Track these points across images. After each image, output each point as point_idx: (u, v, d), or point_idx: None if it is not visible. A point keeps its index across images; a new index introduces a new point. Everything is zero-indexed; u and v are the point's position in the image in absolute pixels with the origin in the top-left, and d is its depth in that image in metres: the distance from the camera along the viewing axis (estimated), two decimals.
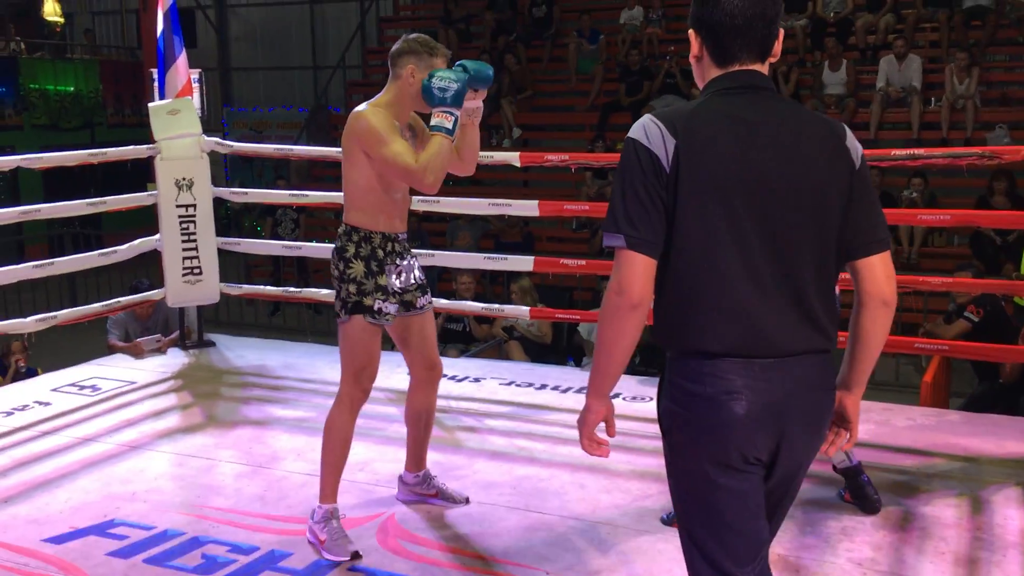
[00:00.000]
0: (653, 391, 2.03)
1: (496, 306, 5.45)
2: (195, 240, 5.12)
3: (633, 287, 1.83)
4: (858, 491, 3.32)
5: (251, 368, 5.18)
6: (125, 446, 4.05)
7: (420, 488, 3.42)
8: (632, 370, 5.42)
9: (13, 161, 4.76)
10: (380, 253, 3.07)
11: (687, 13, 1.97)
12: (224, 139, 5.73)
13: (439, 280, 8.73)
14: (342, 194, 3.17)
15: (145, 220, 5.80)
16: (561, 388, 4.75)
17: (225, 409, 4.54)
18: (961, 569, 2.95)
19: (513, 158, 4.89)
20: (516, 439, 4.08)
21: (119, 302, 5.32)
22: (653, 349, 5.55)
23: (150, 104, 5.23)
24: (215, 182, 5.27)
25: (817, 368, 1.90)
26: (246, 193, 6.15)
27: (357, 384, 3.10)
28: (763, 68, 1.92)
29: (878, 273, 1.94)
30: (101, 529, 3.26)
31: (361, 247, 3.05)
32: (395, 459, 3.57)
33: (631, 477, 3.60)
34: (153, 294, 5.42)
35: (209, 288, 5.24)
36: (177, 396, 4.77)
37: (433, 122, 2.93)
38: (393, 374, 4.32)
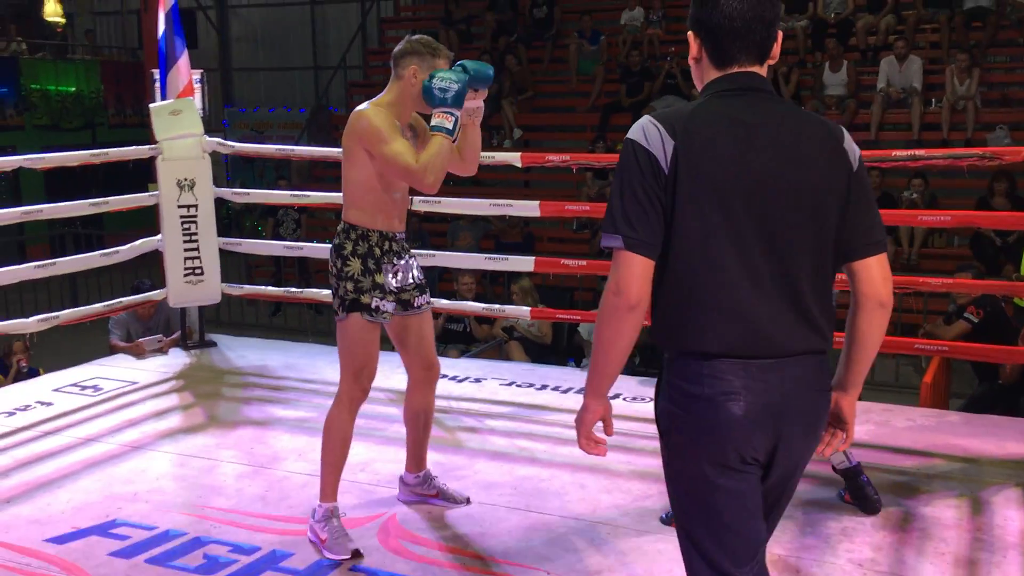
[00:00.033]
0: (653, 391, 2.04)
1: (497, 306, 5.45)
2: (196, 240, 5.13)
3: (631, 288, 1.84)
4: (858, 492, 3.32)
5: (252, 368, 5.19)
6: (127, 446, 4.05)
7: (421, 489, 3.43)
8: (632, 370, 5.43)
9: (15, 161, 4.77)
10: (377, 251, 3.08)
11: (688, 14, 1.97)
12: (225, 139, 5.73)
13: (440, 280, 8.74)
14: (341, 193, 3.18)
15: (146, 220, 5.82)
16: (562, 388, 4.76)
17: (226, 409, 4.55)
18: (961, 570, 2.95)
19: (514, 158, 4.90)
20: (517, 439, 4.09)
21: (121, 302, 5.33)
22: (653, 349, 5.57)
23: (152, 104, 5.24)
24: (216, 182, 5.28)
25: (814, 369, 1.91)
26: (247, 193, 6.16)
27: (356, 383, 3.11)
28: (762, 70, 1.93)
29: (875, 275, 1.94)
30: (103, 529, 3.26)
31: (359, 245, 3.06)
32: (396, 459, 3.57)
33: (631, 477, 3.61)
34: (155, 294, 5.43)
35: (210, 288, 5.24)
36: (178, 396, 4.78)
37: (433, 122, 2.94)
38: (393, 374, 4.32)
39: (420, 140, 3.12)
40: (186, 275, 5.14)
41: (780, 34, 1.94)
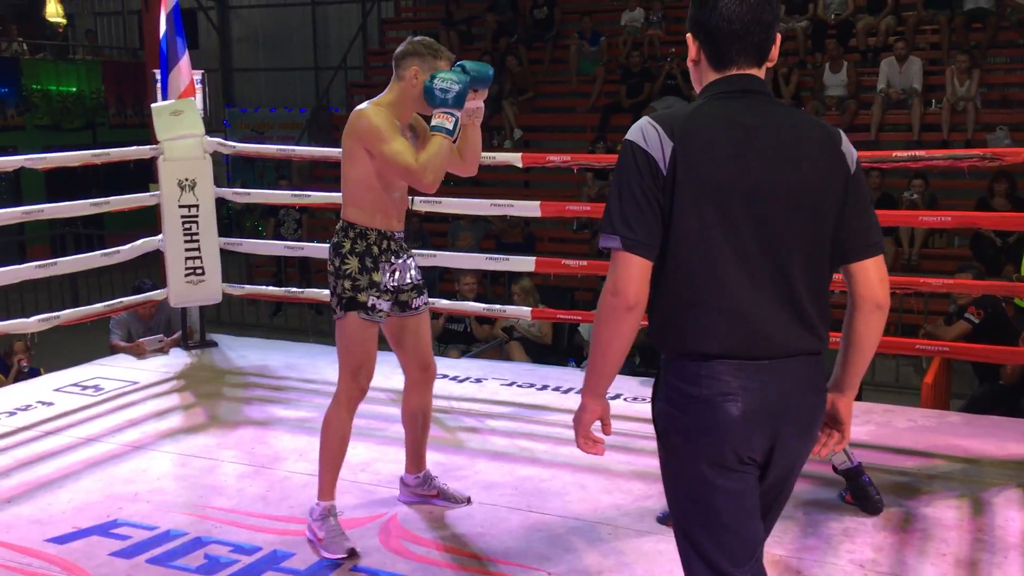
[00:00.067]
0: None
1: (498, 307, 5.45)
2: (197, 240, 5.13)
3: (629, 288, 1.85)
4: (860, 492, 3.33)
5: (253, 368, 5.19)
6: (128, 446, 4.05)
7: (421, 489, 3.43)
8: (632, 370, 5.44)
9: (17, 161, 4.77)
10: (375, 250, 3.08)
11: (687, 16, 1.98)
12: (226, 140, 5.73)
13: (440, 280, 8.75)
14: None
15: (147, 220, 5.82)
16: (562, 389, 4.76)
17: (227, 409, 4.55)
18: (962, 571, 2.95)
19: (515, 159, 4.90)
20: (517, 440, 4.09)
21: (121, 302, 5.34)
22: (654, 350, 5.56)
23: (153, 105, 5.25)
24: (217, 183, 5.28)
25: (810, 369, 1.92)
26: (248, 194, 6.15)
27: (355, 382, 3.11)
28: (760, 72, 1.93)
29: (872, 277, 1.95)
30: (104, 529, 3.27)
31: (357, 243, 3.07)
32: (397, 459, 3.57)
33: (632, 478, 3.61)
34: (155, 294, 5.43)
35: (211, 288, 5.25)
36: (179, 396, 4.78)
37: (434, 122, 2.95)
38: (393, 374, 4.31)
39: (420, 140, 3.13)
40: (187, 275, 5.14)
41: (779, 36, 1.95)
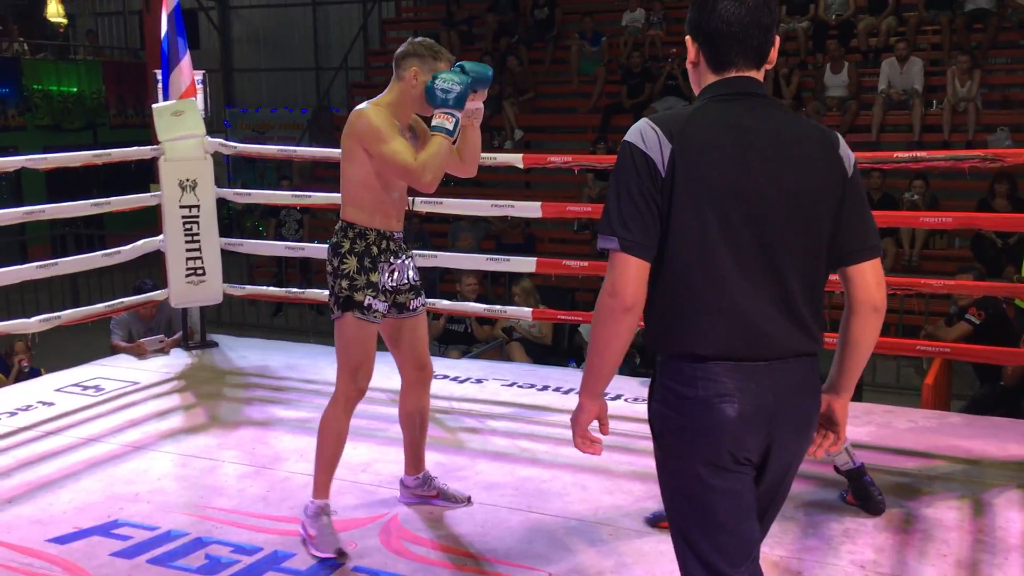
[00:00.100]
0: None
1: (499, 307, 5.45)
2: (198, 241, 5.13)
3: (626, 289, 1.85)
4: (862, 492, 3.33)
5: (254, 369, 5.19)
6: (128, 446, 4.06)
7: (421, 490, 3.43)
8: (633, 371, 5.44)
9: (18, 162, 4.77)
10: (374, 250, 3.09)
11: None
12: (227, 140, 5.74)
13: (441, 281, 8.75)
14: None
15: (148, 221, 5.82)
16: (563, 389, 4.76)
17: (228, 410, 4.55)
18: (963, 572, 2.95)
19: (516, 160, 4.90)
20: (518, 440, 4.09)
21: (122, 302, 5.34)
22: None
23: (154, 105, 5.25)
24: (218, 183, 5.28)
25: (805, 370, 1.93)
26: (249, 194, 6.16)
27: (353, 382, 3.12)
28: (759, 75, 1.94)
29: (869, 280, 1.96)
30: (105, 529, 3.27)
31: (356, 243, 3.07)
32: (397, 460, 3.57)
33: (633, 478, 3.61)
34: (156, 295, 5.44)
35: (212, 289, 5.25)
36: (180, 397, 4.78)
37: (434, 123, 2.96)
38: (394, 375, 4.28)
39: (419, 141, 3.13)
40: (188, 275, 5.15)
41: (777, 39, 1.96)
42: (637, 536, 3.16)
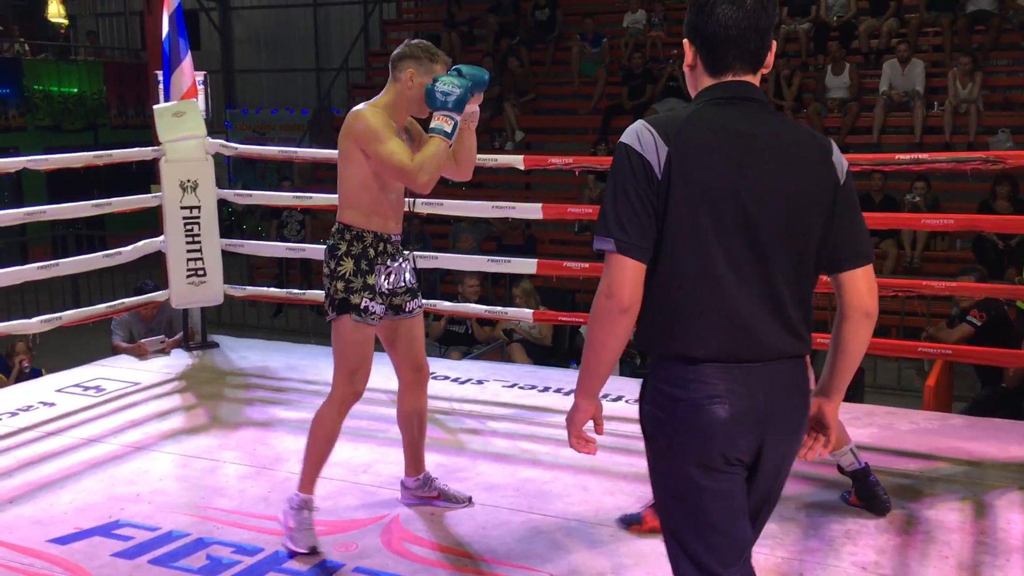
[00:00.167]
0: None
1: (500, 309, 5.45)
2: (199, 242, 5.13)
3: (623, 291, 1.86)
4: (867, 492, 3.32)
5: (254, 369, 5.19)
6: (129, 447, 4.06)
7: (422, 491, 3.43)
8: (634, 373, 5.44)
9: (19, 162, 4.78)
10: (371, 252, 3.09)
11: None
12: (227, 141, 5.74)
13: (442, 282, 8.75)
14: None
15: (149, 221, 5.82)
16: (564, 391, 4.76)
17: (228, 410, 4.55)
18: (964, 573, 2.95)
19: (517, 161, 4.90)
20: (519, 441, 4.09)
21: (123, 303, 5.34)
22: None
23: (155, 106, 5.25)
24: (218, 184, 5.28)
25: (794, 372, 1.94)
26: (250, 195, 6.16)
27: (350, 385, 3.12)
28: (755, 79, 1.95)
29: (861, 286, 1.97)
30: (106, 530, 3.27)
31: (353, 245, 3.08)
32: (398, 461, 3.57)
33: (634, 480, 3.61)
34: (157, 295, 5.44)
35: (213, 289, 5.25)
36: (181, 397, 4.78)
37: (433, 125, 2.97)
38: (396, 376, 4.32)
39: (415, 143, 3.14)
40: (188, 276, 5.15)
41: (774, 43, 1.98)
42: (637, 537, 3.16)
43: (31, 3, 16.76)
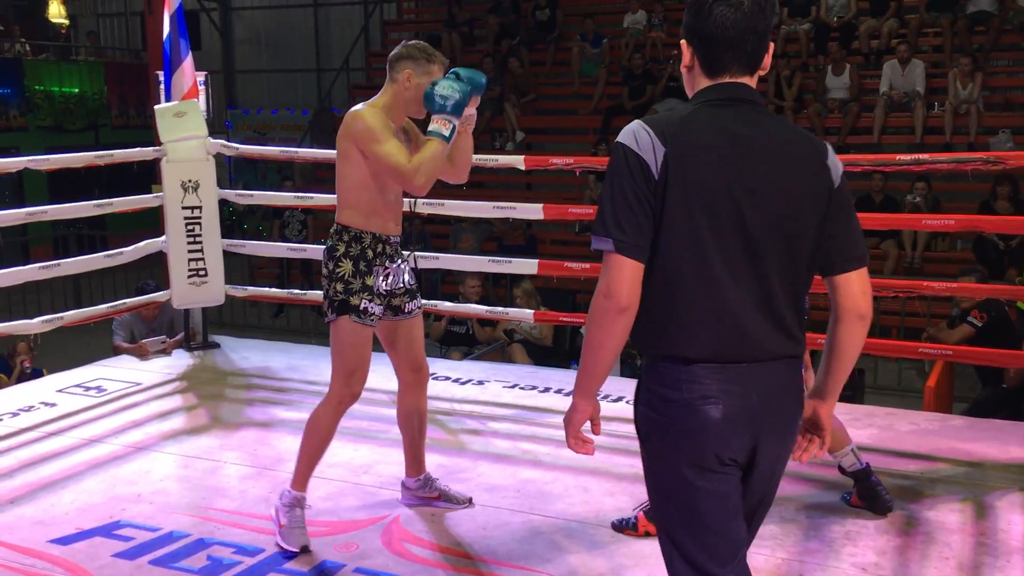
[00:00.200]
0: None
1: (500, 309, 5.46)
2: (200, 242, 5.14)
3: (621, 290, 1.86)
4: (869, 492, 3.33)
5: (255, 370, 5.19)
6: (130, 447, 4.06)
7: (423, 492, 3.44)
8: (634, 373, 5.43)
9: (20, 162, 4.78)
10: (370, 253, 3.09)
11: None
12: (228, 141, 5.75)
13: (443, 283, 8.75)
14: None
15: (150, 222, 5.82)
16: (564, 391, 4.76)
17: (230, 411, 4.56)
18: (965, 575, 2.95)
19: (518, 161, 4.91)
20: (520, 442, 4.09)
21: (124, 303, 5.35)
22: None
23: (156, 106, 5.26)
24: (219, 184, 5.29)
25: (788, 372, 1.95)
26: (251, 195, 6.17)
27: (347, 387, 3.12)
28: (752, 81, 1.96)
29: (855, 289, 1.97)
30: (107, 530, 3.27)
31: (351, 247, 3.08)
32: (399, 461, 3.57)
33: (634, 481, 3.61)
34: (158, 296, 5.44)
35: (214, 290, 5.25)
36: (182, 397, 4.78)
37: (431, 127, 2.98)
38: (395, 377, 4.32)
39: (413, 144, 3.14)
40: (190, 276, 5.15)
41: (772, 45, 1.98)
42: (638, 539, 3.16)
43: (32, 3, 16.77)
